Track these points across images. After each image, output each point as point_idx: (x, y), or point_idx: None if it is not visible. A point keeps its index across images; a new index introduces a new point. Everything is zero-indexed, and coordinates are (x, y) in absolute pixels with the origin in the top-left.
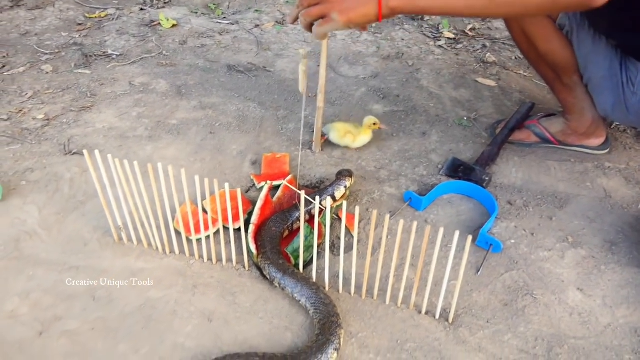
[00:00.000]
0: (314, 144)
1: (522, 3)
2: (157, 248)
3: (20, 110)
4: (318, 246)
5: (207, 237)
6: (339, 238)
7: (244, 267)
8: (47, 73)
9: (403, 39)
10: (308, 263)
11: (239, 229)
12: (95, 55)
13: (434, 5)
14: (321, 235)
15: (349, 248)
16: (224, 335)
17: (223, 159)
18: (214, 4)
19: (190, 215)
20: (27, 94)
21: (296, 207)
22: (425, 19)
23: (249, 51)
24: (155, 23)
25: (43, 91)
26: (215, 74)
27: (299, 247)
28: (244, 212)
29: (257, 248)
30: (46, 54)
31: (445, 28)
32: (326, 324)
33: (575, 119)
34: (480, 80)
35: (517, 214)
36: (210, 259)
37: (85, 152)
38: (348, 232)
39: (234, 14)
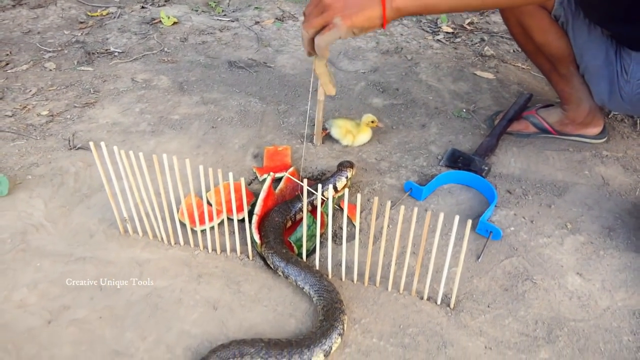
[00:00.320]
0: (315, 137)
1: None
2: (162, 239)
3: (25, 107)
4: (320, 235)
5: (212, 228)
6: (341, 228)
7: (248, 257)
8: (50, 70)
9: (402, 34)
10: (311, 252)
11: (242, 220)
12: (97, 53)
13: (440, 2)
14: (323, 225)
15: (351, 237)
16: (229, 323)
17: (225, 153)
18: (214, 2)
19: (194, 206)
20: (30, 90)
21: (298, 198)
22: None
23: (249, 47)
24: (156, 21)
25: (46, 88)
26: (216, 70)
27: (302, 236)
28: (247, 203)
29: (261, 238)
30: (49, 51)
31: (443, 22)
32: (330, 310)
33: (572, 109)
34: (478, 73)
35: (516, 202)
36: (214, 249)
37: (91, 144)
38: (350, 221)
39: (234, 12)
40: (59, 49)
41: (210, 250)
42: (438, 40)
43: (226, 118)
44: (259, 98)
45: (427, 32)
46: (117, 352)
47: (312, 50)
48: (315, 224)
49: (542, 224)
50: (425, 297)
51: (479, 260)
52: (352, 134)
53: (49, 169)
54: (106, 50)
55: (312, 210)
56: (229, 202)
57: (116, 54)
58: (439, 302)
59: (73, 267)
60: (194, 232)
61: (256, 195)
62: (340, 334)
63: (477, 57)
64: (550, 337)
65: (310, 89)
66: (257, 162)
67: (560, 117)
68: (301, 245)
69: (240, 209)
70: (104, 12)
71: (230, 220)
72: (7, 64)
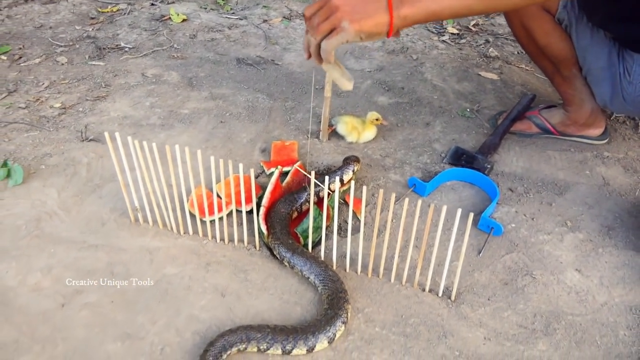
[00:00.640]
0: (321, 133)
1: None
2: (171, 228)
3: (38, 99)
4: (326, 228)
5: (220, 219)
6: (346, 222)
7: (255, 247)
8: (62, 64)
9: (407, 34)
10: (316, 244)
11: (250, 212)
12: (108, 48)
13: (446, 6)
14: (329, 218)
15: (355, 230)
16: (237, 309)
17: (233, 147)
18: (223, 0)
19: (204, 197)
20: (43, 83)
21: (305, 189)
22: None
23: (257, 45)
24: (165, 17)
25: (59, 81)
26: (224, 66)
27: (308, 228)
28: (250, 197)
29: (268, 229)
30: (61, 46)
31: (449, 24)
32: (334, 299)
33: (574, 110)
34: (482, 73)
35: (517, 199)
36: (222, 239)
37: (106, 134)
38: (354, 215)
39: (242, 10)
40: (71, 43)
41: (218, 240)
42: (443, 41)
43: (234, 113)
44: (266, 94)
45: (432, 32)
46: (129, 335)
47: (317, 56)
48: (322, 216)
49: (542, 221)
50: (427, 289)
51: (480, 254)
52: (358, 131)
53: (62, 160)
54: (117, 45)
55: (319, 202)
56: (237, 194)
57: (127, 49)
58: (440, 294)
59: (86, 254)
60: (202, 222)
61: (264, 188)
62: (344, 322)
63: (481, 58)
64: (548, 330)
65: (313, 86)
66: (265, 156)
67: (563, 118)
68: (307, 237)
69: (248, 200)
70: (114, 9)
71: (238, 211)
72: (20, 58)
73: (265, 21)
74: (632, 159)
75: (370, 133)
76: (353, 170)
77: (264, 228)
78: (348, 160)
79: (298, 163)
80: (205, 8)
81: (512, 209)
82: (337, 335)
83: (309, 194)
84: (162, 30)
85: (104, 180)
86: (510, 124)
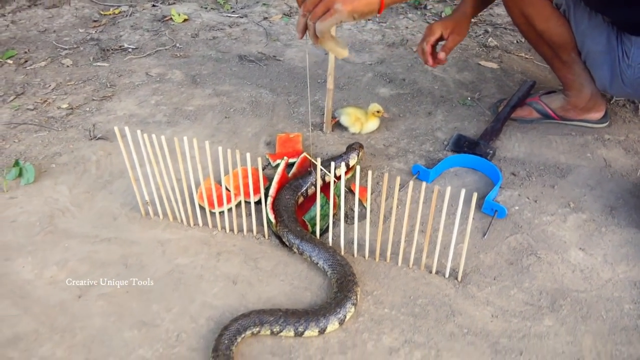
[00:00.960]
0: (324, 124)
1: None
2: (181, 221)
3: (45, 101)
4: (333, 216)
5: (229, 210)
6: (352, 209)
7: (264, 236)
8: (68, 66)
9: (407, 27)
10: (324, 231)
11: (257, 202)
12: (112, 49)
13: None
14: (336, 206)
15: (361, 217)
16: (249, 295)
17: (239, 141)
18: None
19: (213, 189)
20: (50, 85)
21: (310, 174)
22: (428, 7)
23: (259, 42)
24: (167, 18)
25: (65, 83)
26: (227, 63)
27: (315, 216)
28: (258, 187)
29: (275, 217)
30: (65, 49)
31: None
32: (343, 283)
33: (574, 95)
34: (482, 63)
35: (520, 183)
36: (232, 229)
37: (116, 129)
38: (360, 203)
39: (242, 8)
40: (75, 46)
41: (227, 231)
42: None
43: (238, 109)
44: (269, 89)
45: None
46: (144, 323)
47: (313, 36)
48: (329, 204)
49: (545, 203)
50: (434, 271)
51: (485, 237)
52: (361, 122)
53: (71, 158)
54: (120, 46)
55: (324, 187)
56: (245, 185)
57: (130, 50)
58: (447, 276)
59: (99, 247)
60: (212, 214)
61: (270, 179)
62: (353, 304)
63: (481, 48)
64: (554, 307)
65: (308, 77)
66: (270, 149)
67: (563, 103)
68: (315, 224)
69: (256, 191)
70: (116, 11)
71: (246, 203)
72: (26, 61)
73: (265, 19)
74: (633, 141)
75: (373, 124)
76: (358, 154)
77: (272, 217)
78: (352, 147)
79: (304, 154)
80: (206, 8)
81: (515, 192)
82: (348, 317)
83: (315, 178)
84: (164, 31)
85: (114, 177)
86: (511, 110)
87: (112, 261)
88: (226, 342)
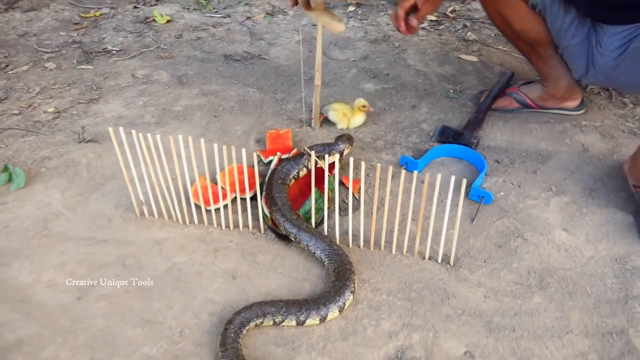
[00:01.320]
0: (313, 120)
1: None
2: (177, 219)
3: (30, 105)
4: (327, 209)
5: (225, 207)
6: (345, 202)
7: (260, 231)
8: (51, 70)
9: (388, 24)
10: (319, 224)
11: (252, 198)
12: (95, 52)
13: None
14: (330, 201)
15: (354, 208)
16: (249, 289)
17: (229, 139)
18: (205, 0)
19: (209, 186)
20: (34, 90)
21: (302, 155)
22: None
23: (243, 41)
24: (149, 19)
25: (49, 87)
26: (212, 63)
27: (309, 209)
28: (253, 183)
29: (269, 206)
30: (47, 52)
31: None
32: (341, 272)
33: (551, 86)
34: (462, 56)
35: (504, 170)
36: (227, 226)
37: (110, 129)
38: (352, 195)
39: (224, 8)
40: (57, 49)
41: (223, 227)
42: (423, 27)
43: (227, 107)
44: (256, 88)
45: None
46: (147, 321)
47: (305, 4)
48: (322, 198)
49: (529, 188)
50: (427, 257)
51: (474, 222)
52: (348, 117)
53: (61, 162)
54: (104, 49)
55: (318, 182)
56: (241, 181)
57: (114, 52)
58: (439, 261)
59: (96, 249)
60: (207, 211)
61: (263, 176)
62: (352, 292)
63: (460, 42)
64: (542, 285)
65: (302, 74)
66: (260, 146)
67: (541, 93)
68: (310, 218)
69: (251, 187)
70: (97, 13)
71: (241, 199)
72: (7, 66)
73: (248, 18)
74: (608, 126)
75: (359, 118)
76: (350, 144)
77: (267, 211)
78: (342, 137)
79: (294, 150)
80: (188, 8)
81: (500, 179)
82: (347, 304)
83: (306, 160)
84: (147, 32)
85: (105, 179)
86: (492, 101)
87: (110, 262)
88: (232, 335)
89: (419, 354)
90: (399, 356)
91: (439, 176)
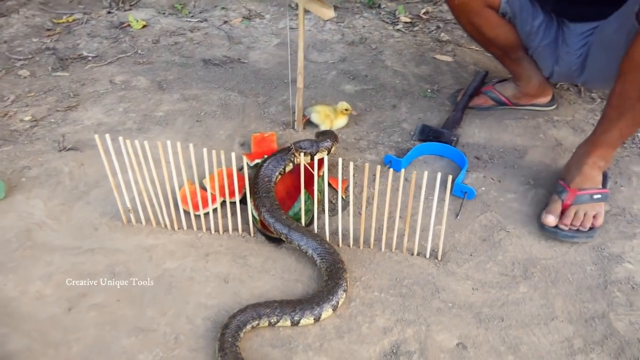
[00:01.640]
0: (296, 123)
1: None
2: (165, 225)
3: (6, 114)
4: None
5: (214, 211)
6: (332, 202)
7: (250, 234)
8: (25, 78)
9: (364, 26)
10: (308, 224)
11: (241, 201)
12: (70, 58)
13: None
14: (319, 203)
15: (343, 208)
16: (242, 292)
17: (213, 144)
18: (180, 4)
19: (198, 191)
20: (8, 98)
21: (288, 150)
22: (382, 7)
23: (222, 45)
24: (125, 25)
25: (25, 95)
26: (192, 68)
27: (299, 211)
28: (241, 187)
29: (257, 209)
30: (20, 59)
31: (401, 13)
32: (333, 270)
33: (524, 85)
34: (438, 57)
35: (484, 166)
36: (217, 230)
37: (96, 136)
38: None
39: (200, 12)
40: (30, 56)
41: (213, 232)
42: (398, 29)
43: (209, 112)
44: (237, 92)
45: (387, 23)
46: (141, 329)
47: None
48: (311, 200)
49: (508, 182)
50: (415, 252)
51: (458, 217)
52: (330, 119)
53: (42, 171)
54: (79, 55)
55: (307, 184)
56: (230, 185)
57: (90, 58)
58: (428, 256)
59: (83, 258)
60: (196, 216)
61: (250, 178)
62: (344, 290)
63: (435, 43)
64: (526, 275)
65: (290, 77)
66: (245, 149)
67: (514, 91)
68: (299, 219)
69: (240, 190)
70: (70, 19)
71: (230, 202)
72: None
73: (225, 22)
74: (579, 120)
75: (342, 120)
76: (337, 140)
77: (256, 214)
78: (327, 134)
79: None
80: (164, 13)
81: (481, 174)
82: (340, 303)
83: (292, 154)
84: (123, 38)
85: (89, 187)
86: (468, 99)
87: (99, 271)
88: (230, 339)
89: (414, 347)
90: (394, 351)
91: (426, 173)
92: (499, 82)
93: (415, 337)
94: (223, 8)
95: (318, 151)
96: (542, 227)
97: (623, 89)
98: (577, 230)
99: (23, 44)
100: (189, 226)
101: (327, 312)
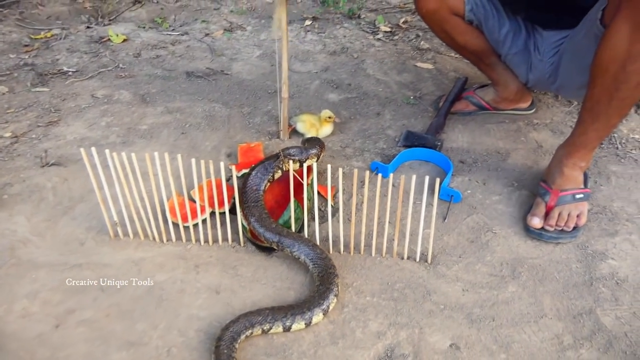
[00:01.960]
0: (282, 132)
1: None
2: (153, 238)
3: None
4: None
5: (203, 222)
6: (321, 209)
7: (239, 244)
8: (3, 94)
9: (345, 36)
10: (298, 232)
11: (230, 211)
12: (50, 74)
13: None
14: (309, 210)
15: (332, 215)
16: (234, 302)
17: (199, 155)
18: (160, 18)
19: (187, 202)
20: None
21: (277, 156)
22: (362, 17)
23: (204, 58)
24: (104, 39)
25: (3, 111)
26: (175, 80)
27: (288, 219)
28: (230, 197)
29: (246, 218)
30: None
31: (381, 23)
32: (325, 276)
33: (502, 90)
34: (418, 64)
35: (468, 169)
36: (206, 241)
37: (82, 150)
38: (328, 201)
39: (181, 26)
40: (8, 72)
41: (202, 243)
42: (378, 39)
43: (194, 124)
44: (222, 103)
45: (367, 32)
46: (132, 343)
47: None
48: (300, 208)
49: (492, 184)
50: (405, 257)
51: (445, 220)
52: (316, 128)
53: (24, 187)
54: (59, 70)
55: (296, 193)
56: (219, 195)
57: (70, 73)
58: (418, 260)
59: (70, 274)
60: (185, 228)
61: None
62: (336, 295)
63: (415, 51)
64: (514, 274)
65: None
66: (231, 160)
67: (494, 96)
68: (289, 227)
69: (229, 200)
70: (48, 34)
71: (221, 214)
72: None
73: (207, 35)
74: (557, 123)
75: (327, 128)
76: (324, 148)
77: (245, 223)
78: (314, 141)
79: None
80: (144, 27)
81: (466, 178)
82: (331, 307)
83: (281, 162)
84: (103, 52)
85: (74, 202)
86: (450, 105)
87: (87, 286)
88: (226, 351)
89: (407, 350)
90: (388, 355)
91: (414, 178)
92: (480, 87)
93: (409, 340)
94: (204, 21)
95: (308, 158)
96: (528, 230)
97: (594, 93)
98: (562, 230)
99: (0, 60)
100: (178, 238)
101: (317, 316)
